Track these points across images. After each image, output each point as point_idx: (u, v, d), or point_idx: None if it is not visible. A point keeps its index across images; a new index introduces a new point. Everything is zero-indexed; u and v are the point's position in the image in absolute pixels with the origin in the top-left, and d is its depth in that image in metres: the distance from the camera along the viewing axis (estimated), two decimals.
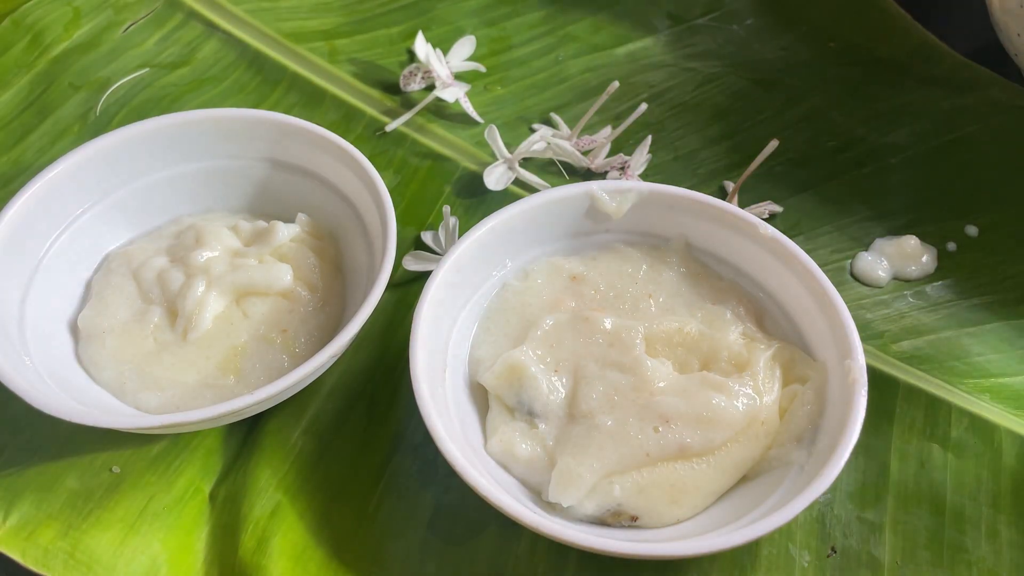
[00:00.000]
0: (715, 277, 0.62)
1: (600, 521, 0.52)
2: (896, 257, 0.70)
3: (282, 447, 0.59)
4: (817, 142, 0.78)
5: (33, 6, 0.83)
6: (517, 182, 0.73)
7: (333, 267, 0.64)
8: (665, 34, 0.87)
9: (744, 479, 0.54)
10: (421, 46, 0.79)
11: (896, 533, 0.57)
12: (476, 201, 0.73)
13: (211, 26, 0.84)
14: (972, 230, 0.72)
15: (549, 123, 0.79)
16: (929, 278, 0.69)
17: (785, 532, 0.56)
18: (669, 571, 0.55)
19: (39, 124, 0.76)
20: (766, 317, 0.60)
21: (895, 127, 0.78)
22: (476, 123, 0.78)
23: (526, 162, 0.75)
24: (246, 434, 0.60)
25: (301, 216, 0.65)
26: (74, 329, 0.60)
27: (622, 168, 0.74)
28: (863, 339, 0.54)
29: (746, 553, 0.56)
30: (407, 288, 0.67)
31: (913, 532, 0.57)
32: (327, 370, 0.61)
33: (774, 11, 0.89)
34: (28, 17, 0.82)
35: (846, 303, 0.56)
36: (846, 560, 0.56)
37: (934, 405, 0.62)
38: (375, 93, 0.80)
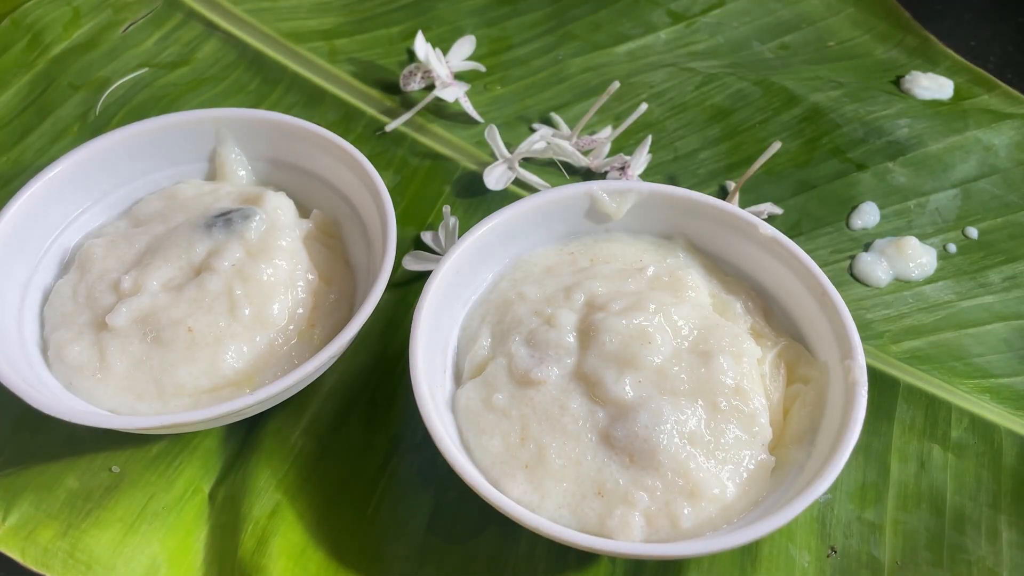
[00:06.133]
0: (722, 271, 0.62)
1: None
2: (896, 257, 0.70)
3: (282, 447, 0.59)
4: (817, 142, 0.78)
5: (33, 6, 0.83)
6: (517, 182, 0.73)
7: (343, 263, 0.64)
8: (665, 33, 0.87)
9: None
10: (421, 46, 0.79)
11: (896, 533, 0.57)
12: (476, 201, 0.73)
13: (211, 26, 0.84)
14: (972, 232, 0.72)
15: (549, 123, 0.79)
16: (929, 278, 0.69)
17: (785, 532, 0.56)
18: (670, 571, 0.55)
19: (39, 124, 0.76)
20: (772, 315, 0.60)
21: (895, 127, 0.78)
22: (476, 123, 0.78)
23: (526, 162, 0.75)
24: (246, 434, 0.60)
25: (316, 212, 0.65)
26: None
27: (622, 168, 0.74)
28: (863, 339, 0.54)
29: (746, 553, 0.56)
30: (407, 288, 0.67)
31: (913, 532, 0.57)
32: (327, 370, 0.61)
33: (774, 11, 0.90)
34: (28, 17, 0.82)
35: (846, 303, 0.56)
36: (846, 560, 0.56)
37: (934, 405, 0.62)
38: (375, 93, 0.80)
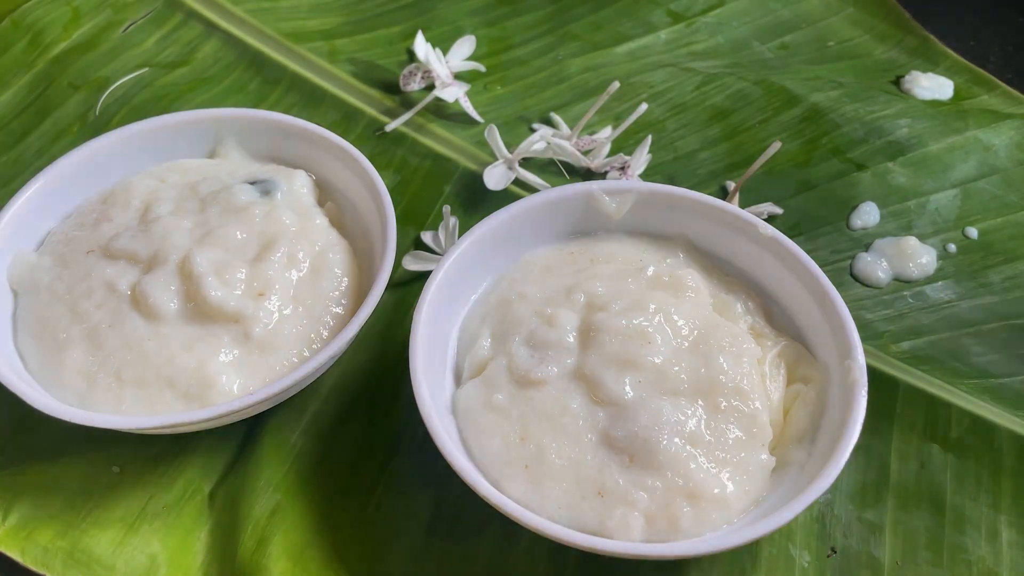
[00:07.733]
0: (722, 271, 0.62)
1: None
2: (896, 257, 0.70)
3: (282, 447, 0.59)
4: (817, 142, 0.78)
5: (33, 6, 0.83)
6: (517, 182, 0.73)
7: (355, 256, 0.63)
8: (665, 33, 0.87)
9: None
10: (421, 46, 0.79)
11: (896, 533, 0.57)
12: (476, 201, 0.73)
13: (211, 26, 0.84)
14: (972, 232, 0.72)
15: (549, 123, 0.79)
16: (929, 278, 0.69)
17: (785, 532, 0.56)
18: (670, 571, 0.55)
19: (39, 124, 0.76)
20: (772, 315, 0.60)
21: (895, 127, 0.78)
22: (476, 123, 0.78)
23: (526, 162, 0.75)
24: (246, 434, 0.60)
25: (330, 204, 0.65)
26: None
27: (622, 168, 0.74)
28: (863, 339, 0.54)
29: (746, 553, 0.56)
30: (407, 288, 0.67)
31: (913, 532, 0.57)
32: (327, 370, 0.61)
33: (774, 11, 0.90)
34: (28, 17, 0.82)
35: (846, 303, 0.56)
36: (846, 560, 0.56)
37: (934, 405, 0.62)
38: (375, 93, 0.80)
